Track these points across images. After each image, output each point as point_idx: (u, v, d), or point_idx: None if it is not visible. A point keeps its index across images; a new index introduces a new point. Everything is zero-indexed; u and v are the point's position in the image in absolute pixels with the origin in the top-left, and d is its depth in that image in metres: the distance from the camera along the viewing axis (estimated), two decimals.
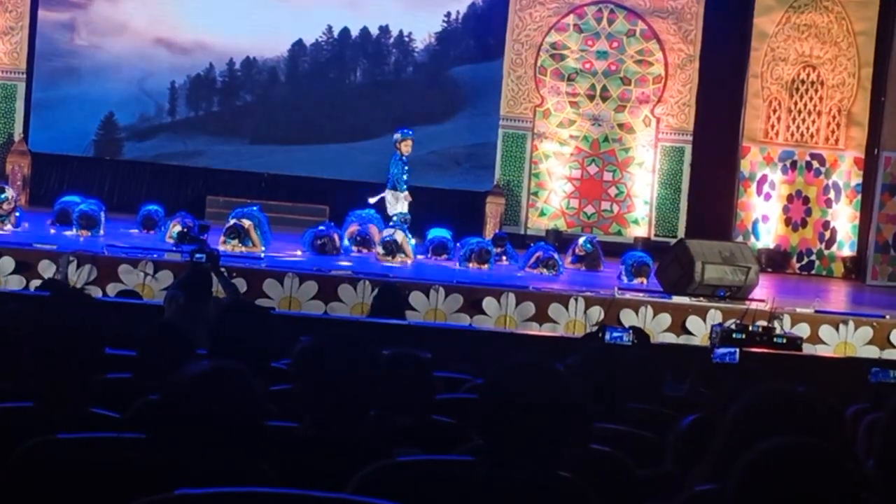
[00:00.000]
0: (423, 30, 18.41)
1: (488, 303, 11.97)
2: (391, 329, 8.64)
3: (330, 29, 18.31)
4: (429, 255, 14.95)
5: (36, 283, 10.99)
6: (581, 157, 18.33)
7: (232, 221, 14.18)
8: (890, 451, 2.90)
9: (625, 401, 4.88)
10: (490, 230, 17.09)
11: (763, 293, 13.20)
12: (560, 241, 16.68)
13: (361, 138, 18.33)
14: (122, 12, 18.07)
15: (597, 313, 11.93)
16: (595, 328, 9.55)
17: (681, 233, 17.69)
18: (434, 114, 18.17)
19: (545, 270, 14.35)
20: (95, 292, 10.67)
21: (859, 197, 17.59)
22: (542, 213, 18.26)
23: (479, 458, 3.27)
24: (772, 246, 17.78)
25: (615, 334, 6.24)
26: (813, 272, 17.72)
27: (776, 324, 10.65)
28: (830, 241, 17.70)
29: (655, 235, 18.06)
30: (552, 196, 18.30)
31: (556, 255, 14.69)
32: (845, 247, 17.63)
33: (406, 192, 14.84)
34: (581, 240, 15.66)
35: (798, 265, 17.82)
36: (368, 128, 18.24)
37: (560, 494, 3.22)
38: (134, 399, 4.09)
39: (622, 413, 4.69)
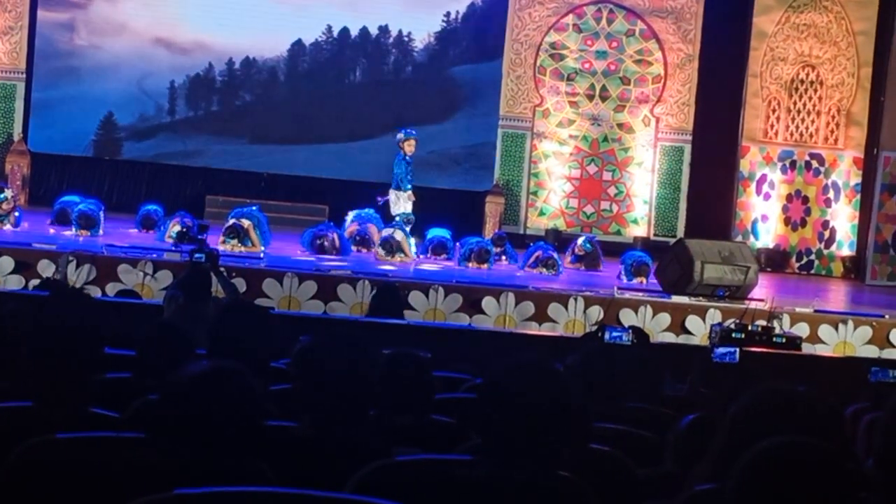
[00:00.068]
0: (422, 30, 18.40)
1: (488, 302, 11.97)
2: (391, 329, 8.63)
3: (329, 29, 18.30)
4: (428, 255, 14.95)
5: (35, 282, 10.98)
6: (580, 157, 18.33)
7: (231, 221, 14.18)
8: (889, 451, 2.90)
9: (624, 400, 4.88)
10: (489, 230, 17.09)
11: (762, 293, 13.20)
12: (559, 240, 16.67)
13: (361, 138, 18.33)
14: (121, 12, 18.06)
15: (596, 313, 11.93)
16: (594, 328, 9.54)
17: (680, 232, 17.69)
18: (434, 114, 18.16)
19: (545, 270, 14.35)
20: (95, 292, 10.66)
21: (858, 196, 17.60)
22: (542, 213, 18.26)
23: (479, 457, 3.26)
24: (771, 245, 17.79)
25: (615, 334, 6.24)
26: (812, 272, 17.72)
27: (775, 323, 10.64)
28: (830, 241, 17.71)
29: (655, 235, 18.06)
30: (551, 196, 18.30)
31: (555, 255, 14.69)
32: (844, 246, 17.63)
33: (409, 192, 14.84)
34: (580, 239, 15.66)
35: (797, 265, 17.82)
36: (368, 127, 18.24)
37: (559, 494, 3.22)
38: (133, 399, 4.09)
39: (622, 413, 4.69)
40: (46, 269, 11.70)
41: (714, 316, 11.96)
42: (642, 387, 5.09)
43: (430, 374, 4.69)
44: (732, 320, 10.71)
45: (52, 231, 14.46)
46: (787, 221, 17.87)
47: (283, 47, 18.23)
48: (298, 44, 18.28)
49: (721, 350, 6.48)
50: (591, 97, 18.27)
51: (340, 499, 2.91)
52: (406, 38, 18.39)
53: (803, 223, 17.85)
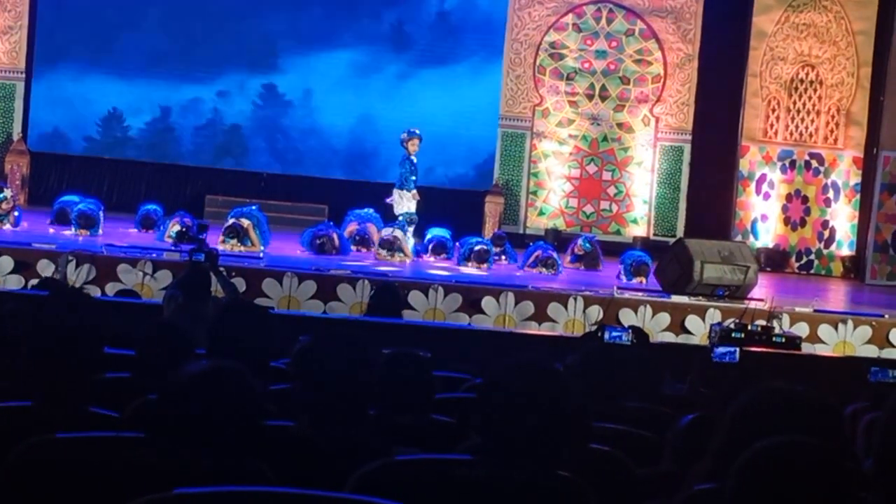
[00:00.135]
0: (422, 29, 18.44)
1: (487, 302, 11.97)
2: (390, 328, 8.63)
3: None
4: (428, 255, 14.94)
5: (34, 282, 10.97)
6: (580, 157, 18.33)
7: (231, 221, 14.18)
8: (888, 451, 2.90)
9: (624, 400, 4.88)
10: (489, 229, 17.09)
11: (762, 292, 13.20)
12: (559, 240, 16.68)
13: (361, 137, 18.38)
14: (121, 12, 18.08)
15: (596, 313, 11.93)
16: (594, 327, 9.54)
17: (680, 232, 17.69)
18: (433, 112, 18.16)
19: (544, 270, 14.35)
20: (94, 292, 10.66)
21: (858, 196, 17.60)
22: (541, 213, 18.26)
23: (478, 457, 3.26)
24: (771, 245, 17.79)
25: (614, 334, 6.24)
26: (812, 271, 17.72)
27: (775, 323, 10.64)
28: (829, 241, 17.71)
29: (654, 235, 18.07)
30: (551, 195, 18.30)
31: (555, 255, 14.69)
32: (844, 246, 17.64)
33: (414, 192, 14.84)
34: (580, 239, 15.66)
35: (797, 264, 17.82)
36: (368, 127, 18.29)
37: (559, 494, 3.22)
38: (133, 398, 4.09)
39: (621, 412, 4.69)
40: (46, 268, 11.70)
41: (714, 316, 11.95)
42: (642, 387, 5.09)
43: (430, 373, 4.69)
44: (732, 320, 10.70)
45: (51, 231, 14.46)
46: (786, 221, 17.87)
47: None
48: None
49: (721, 350, 6.49)
50: (590, 97, 18.27)
51: (340, 498, 2.91)
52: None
53: (803, 223, 17.86)
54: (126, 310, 8.44)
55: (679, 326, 12.07)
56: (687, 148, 18.31)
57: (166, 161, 18.26)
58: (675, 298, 12.47)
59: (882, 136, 17.33)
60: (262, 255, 13.38)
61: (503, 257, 15.17)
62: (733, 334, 9.86)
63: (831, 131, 17.81)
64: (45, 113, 18.02)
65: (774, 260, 17.61)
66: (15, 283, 11.58)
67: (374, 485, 3.13)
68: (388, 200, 15.00)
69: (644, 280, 13.91)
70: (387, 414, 4.39)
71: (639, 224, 18.25)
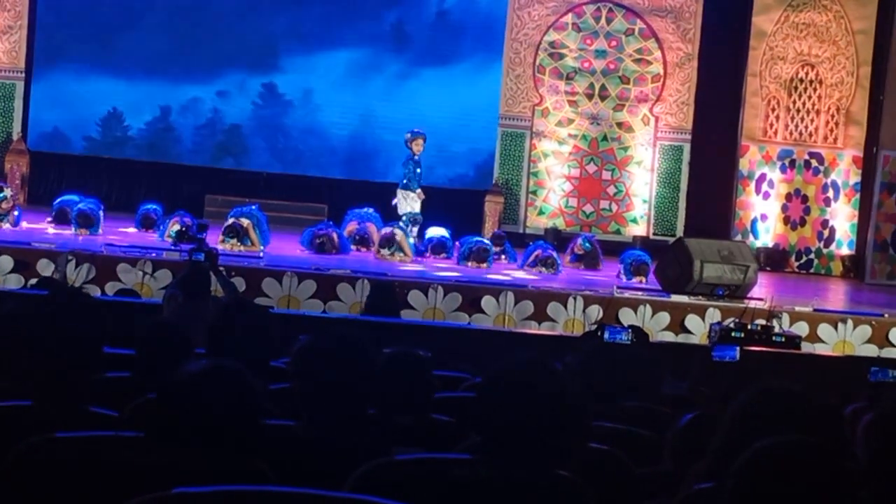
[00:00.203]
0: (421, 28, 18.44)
1: (487, 301, 11.97)
2: (390, 328, 8.63)
3: None
4: (428, 254, 14.94)
5: (34, 282, 10.98)
6: (580, 156, 18.33)
7: (230, 220, 14.18)
8: (883, 449, 2.90)
9: (624, 399, 4.88)
10: (489, 229, 17.08)
11: (762, 292, 13.21)
12: (559, 239, 16.67)
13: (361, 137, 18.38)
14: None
15: (595, 312, 11.93)
16: (594, 327, 9.55)
17: (679, 231, 17.70)
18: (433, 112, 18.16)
19: (544, 269, 14.35)
20: (94, 291, 10.66)
21: (858, 196, 17.60)
22: (541, 212, 18.26)
23: (478, 456, 3.26)
24: (770, 244, 17.79)
25: (614, 333, 6.24)
26: (811, 271, 17.72)
27: (775, 322, 10.64)
28: (829, 240, 17.71)
29: (654, 234, 18.07)
30: (551, 195, 18.31)
31: (554, 254, 14.68)
32: (844, 245, 17.64)
33: (419, 191, 14.84)
34: (580, 238, 15.66)
35: (797, 264, 17.82)
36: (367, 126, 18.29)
37: (558, 493, 3.22)
38: (132, 398, 4.09)
39: (621, 412, 4.69)
40: (46, 268, 11.70)
41: (713, 315, 11.95)
42: (641, 386, 5.09)
43: (429, 373, 4.69)
44: (732, 319, 10.71)
45: (51, 230, 14.46)
46: (786, 220, 17.88)
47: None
48: None
49: (720, 349, 6.49)
50: (590, 96, 18.27)
51: (340, 498, 2.91)
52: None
53: (802, 222, 17.86)
54: (126, 309, 8.44)
55: (679, 326, 12.07)
56: (686, 147, 18.31)
57: (166, 160, 18.25)
58: (675, 298, 12.47)
59: (882, 135, 17.33)
60: (261, 254, 13.38)
61: (503, 257, 15.17)
62: (733, 334, 9.87)
63: (831, 131, 17.81)
64: (45, 113, 18.01)
65: (774, 259, 17.61)
66: (14, 282, 11.58)
67: (373, 484, 3.13)
68: (394, 202, 15.01)
69: (644, 279, 13.91)
70: (386, 413, 4.39)
71: (638, 223, 18.25)
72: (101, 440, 3.27)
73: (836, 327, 12.13)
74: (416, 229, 14.83)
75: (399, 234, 14.44)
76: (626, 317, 11.94)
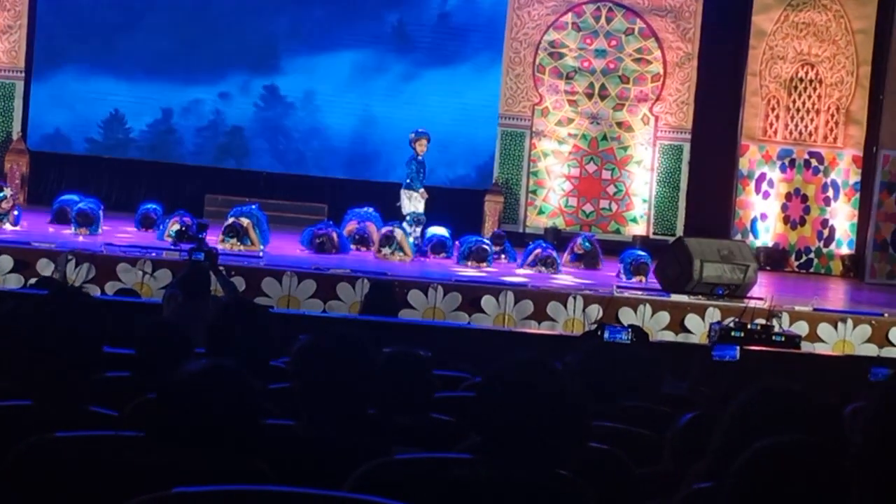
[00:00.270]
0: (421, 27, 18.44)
1: (487, 301, 11.97)
2: (390, 327, 8.63)
3: None
4: (427, 254, 14.95)
5: (33, 281, 10.98)
6: (579, 156, 18.33)
7: (230, 220, 14.18)
8: (875, 440, 2.90)
9: (623, 399, 4.88)
10: (489, 228, 17.09)
11: (761, 291, 13.21)
12: (559, 239, 16.67)
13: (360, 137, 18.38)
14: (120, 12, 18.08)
15: (595, 311, 11.93)
16: (594, 326, 9.55)
17: (679, 231, 17.70)
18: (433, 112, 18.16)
19: (544, 269, 14.35)
20: (94, 291, 10.67)
21: (858, 195, 17.61)
22: (541, 212, 18.26)
23: (478, 456, 3.26)
24: (770, 244, 17.79)
25: (614, 332, 6.24)
26: (811, 270, 17.72)
27: (775, 322, 10.64)
28: (829, 240, 17.71)
29: (654, 234, 18.07)
30: (551, 194, 18.31)
31: (554, 254, 14.69)
32: (843, 245, 17.64)
33: (421, 191, 14.85)
34: (579, 238, 15.66)
35: (796, 263, 17.82)
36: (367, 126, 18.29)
37: (558, 493, 3.22)
38: (132, 397, 4.09)
39: (621, 411, 4.68)
40: (45, 267, 11.70)
41: (713, 314, 11.96)
42: (641, 386, 5.09)
43: (429, 372, 4.69)
44: (732, 319, 10.71)
45: (51, 230, 14.46)
46: (786, 220, 17.88)
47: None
48: None
49: (720, 349, 6.49)
50: (590, 96, 18.27)
51: (339, 497, 2.91)
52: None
53: (802, 222, 17.86)
54: (125, 309, 8.44)
55: (678, 325, 12.08)
56: (686, 147, 18.31)
57: (166, 160, 18.25)
58: (675, 297, 12.48)
59: (881, 134, 17.33)
60: (261, 254, 13.39)
61: (503, 256, 15.17)
62: (733, 333, 9.87)
63: (831, 130, 17.81)
64: (47, 114, 18.01)
65: (774, 259, 17.61)
66: (14, 282, 11.58)
67: (373, 483, 3.13)
68: (398, 204, 15.03)
69: (643, 279, 13.91)
70: (386, 413, 4.39)
71: (638, 223, 18.26)
72: (101, 440, 3.27)
73: (835, 327, 12.14)
74: (419, 229, 14.84)
75: (399, 233, 14.45)
76: (626, 316, 11.94)
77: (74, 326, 3.65)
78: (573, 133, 18.31)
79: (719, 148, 18.05)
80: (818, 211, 17.81)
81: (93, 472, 3.14)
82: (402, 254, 14.34)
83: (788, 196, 17.88)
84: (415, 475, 3.23)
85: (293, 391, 3.75)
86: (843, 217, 17.67)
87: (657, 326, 11.98)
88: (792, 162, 17.89)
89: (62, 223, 14.67)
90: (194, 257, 8.54)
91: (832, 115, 17.80)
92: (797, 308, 12.31)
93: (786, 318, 11.75)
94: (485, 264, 14.28)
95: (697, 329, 11.95)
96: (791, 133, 17.90)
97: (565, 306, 12.01)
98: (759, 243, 17.52)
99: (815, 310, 12.40)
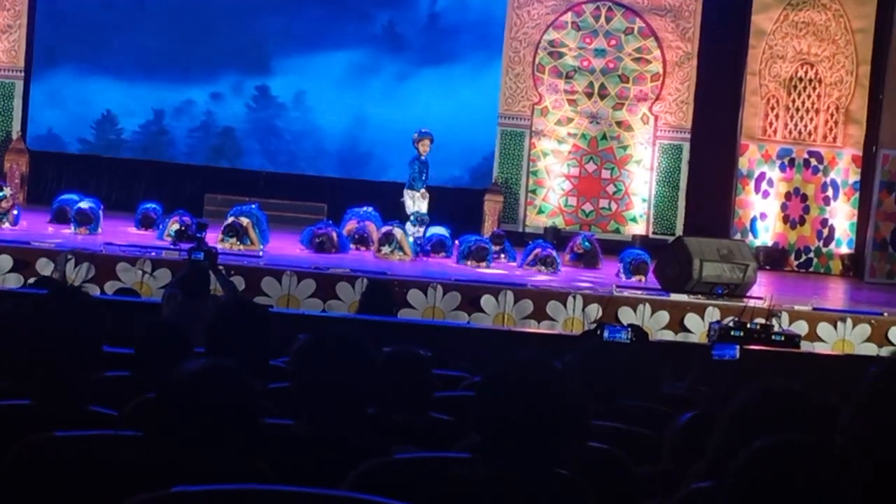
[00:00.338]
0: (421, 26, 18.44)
1: (486, 300, 11.97)
2: (389, 327, 8.63)
3: None
4: (430, 253, 14.95)
5: (32, 280, 10.98)
6: (579, 155, 18.33)
7: (230, 219, 14.18)
8: (864, 432, 2.90)
9: (623, 398, 4.88)
10: (488, 228, 17.09)
11: (761, 291, 13.21)
12: (558, 238, 16.67)
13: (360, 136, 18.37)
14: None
15: (595, 311, 11.93)
16: (593, 326, 9.55)
17: (679, 230, 17.69)
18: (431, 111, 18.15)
19: (543, 268, 14.35)
20: (93, 290, 10.67)
21: (857, 194, 17.60)
22: (541, 211, 18.26)
23: (477, 455, 3.26)
24: (770, 243, 17.79)
25: (613, 332, 6.24)
26: (811, 270, 17.72)
27: (774, 321, 10.65)
28: (828, 239, 17.71)
29: (653, 233, 18.06)
30: (550, 194, 18.30)
31: (554, 253, 14.69)
32: (843, 244, 17.64)
33: (422, 191, 14.85)
34: (579, 237, 15.67)
35: (796, 263, 17.82)
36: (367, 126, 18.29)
37: (558, 492, 3.22)
38: (131, 397, 4.09)
39: (620, 411, 4.69)
40: (45, 267, 11.70)
41: (713, 314, 11.96)
42: (641, 385, 5.09)
43: (429, 372, 4.69)
44: (731, 318, 10.72)
45: (50, 229, 14.46)
46: (785, 219, 17.87)
47: None
48: None
49: (720, 348, 6.49)
50: (589, 95, 18.27)
51: (339, 497, 2.91)
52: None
53: (802, 221, 17.86)
54: (125, 308, 8.44)
55: (678, 325, 12.08)
56: (686, 146, 18.31)
57: (165, 160, 18.25)
58: (675, 297, 12.48)
59: (881, 134, 17.33)
60: (261, 253, 13.39)
61: (502, 256, 15.17)
62: (732, 332, 9.87)
63: (830, 129, 17.81)
64: (41, 114, 18.00)
65: (773, 258, 17.61)
66: (14, 281, 11.59)
67: (372, 483, 3.13)
68: (402, 200, 15.04)
69: (643, 278, 13.91)
70: (386, 412, 4.39)
71: (638, 222, 18.25)
72: (100, 439, 3.27)
73: (835, 326, 12.14)
74: (422, 229, 14.85)
75: (398, 232, 14.45)
76: (626, 316, 11.94)
77: (74, 326, 3.65)
78: (573, 132, 18.31)
79: (719, 147, 18.04)
80: (818, 210, 17.81)
81: (92, 472, 3.14)
82: (401, 253, 14.34)
83: (788, 195, 17.88)
84: (414, 474, 3.23)
85: (292, 391, 3.75)
86: (842, 216, 17.67)
87: (657, 326, 11.99)
88: (791, 161, 17.88)
89: (62, 223, 14.67)
90: (194, 257, 8.54)
91: (832, 115, 17.80)
92: (797, 307, 12.31)
93: (785, 317, 11.76)
94: (484, 264, 14.28)
95: (697, 328, 11.95)
96: (791, 132, 17.90)
97: (565, 306, 12.01)
98: (758, 243, 17.51)
99: (814, 309, 12.41)
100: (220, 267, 9.28)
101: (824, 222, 17.76)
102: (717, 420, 3.40)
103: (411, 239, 14.60)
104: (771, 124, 17.91)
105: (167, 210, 15.17)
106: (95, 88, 17.95)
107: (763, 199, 17.90)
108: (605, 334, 6.27)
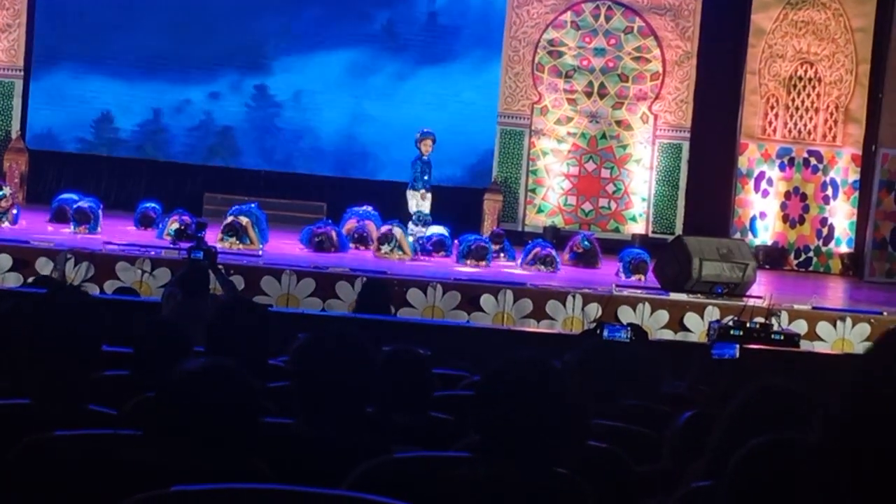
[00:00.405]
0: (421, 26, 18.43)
1: (486, 300, 11.97)
2: (389, 326, 8.64)
3: None
4: (431, 253, 14.94)
5: (32, 280, 10.98)
6: (579, 154, 18.33)
7: (229, 219, 14.18)
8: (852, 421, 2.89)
9: (622, 398, 4.88)
10: (488, 227, 17.08)
11: (760, 290, 13.21)
12: (558, 237, 16.67)
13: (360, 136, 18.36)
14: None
15: (594, 310, 11.93)
16: (593, 325, 9.55)
17: (678, 229, 17.69)
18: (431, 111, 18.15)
19: (543, 267, 14.35)
20: (93, 289, 10.67)
21: (857, 194, 17.60)
22: (540, 210, 18.26)
23: (477, 454, 3.26)
24: (769, 242, 17.79)
25: (613, 331, 6.25)
26: (810, 269, 17.72)
27: (774, 320, 10.65)
28: (828, 238, 17.71)
29: (653, 232, 18.06)
30: (550, 193, 18.30)
31: (553, 252, 14.69)
32: (843, 243, 17.64)
33: (423, 191, 14.85)
34: (579, 237, 15.67)
35: (795, 262, 17.82)
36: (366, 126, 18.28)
37: (557, 491, 3.22)
38: (131, 396, 4.09)
39: (620, 410, 4.69)
40: (45, 266, 11.70)
41: (712, 313, 11.96)
42: (640, 384, 5.09)
43: (429, 371, 4.69)
44: (731, 317, 10.72)
45: (50, 229, 14.46)
46: (785, 218, 17.88)
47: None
48: None
49: (719, 347, 6.49)
50: (589, 94, 18.27)
51: (338, 496, 2.91)
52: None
53: (801, 220, 17.86)
54: (124, 308, 8.45)
55: (678, 324, 12.08)
56: (685, 145, 18.31)
57: (165, 159, 18.25)
58: (674, 296, 12.48)
59: (881, 133, 17.33)
60: (260, 252, 13.38)
61: (502, 255, 15.17)
62: (732, 332, 9.87)
63: (830, 129, 17.81)
64: (41, 113, 18.00)
65: (773, 257, 17.61)
66: (14, 280, 11.59)
67: (372, 482, 3.13)
68: (407, 193, 15.06)
69: (643, 277, 13.91)
70: (385, 411, 4.39)
71: (637, 221, 18.25)
72: (99, 438, 3.27)
73: (834, 325, 12.14)
74: (424, 229, 14.85)
75: (398, 231, 14.45)
76: (625, 315, 11.94)
77: (73, 325, 3.65)
78: (572, 132, 18.31)
79: (718, 146, 18.04)
80: (817, 209, 17.81)
81: (91, 471, 3.14)
82: (401, 252, 14.34)
83: (787, 194, 17.89)
84: (414, 474, 3.23)
85: (292, 390, 3.75)
86: (842, 215, 17.67)
87: (656, 325, 11.98)
88: (791, 160, 17.89)
89: (61, 222, 14.67)
90: (193, 256, 8.54)
91: (831, 114, 17.80)
92: (796, 306, 12.31)
93: (785, 316, 11.76)
94: (484, 263, 14.28)
95: (696, 327, 11.95)
96: (790, 131, 17.90)
97: (564, 305, 12.01)
98: (758, 242, 17.52)
99: (814, 308, 12.41)
100: (220, 266, 9.28)
101: (824, 221, 17.76)
102: (717, 419, 3.40)
103: (412, 238, 14.60)
104: (770, 123, 17.91)
105: (166, 209, 15.17)
106: (95, 88, 17.96)
107: (762, 199, 17.90)
108: (605, 333, 6.28)
